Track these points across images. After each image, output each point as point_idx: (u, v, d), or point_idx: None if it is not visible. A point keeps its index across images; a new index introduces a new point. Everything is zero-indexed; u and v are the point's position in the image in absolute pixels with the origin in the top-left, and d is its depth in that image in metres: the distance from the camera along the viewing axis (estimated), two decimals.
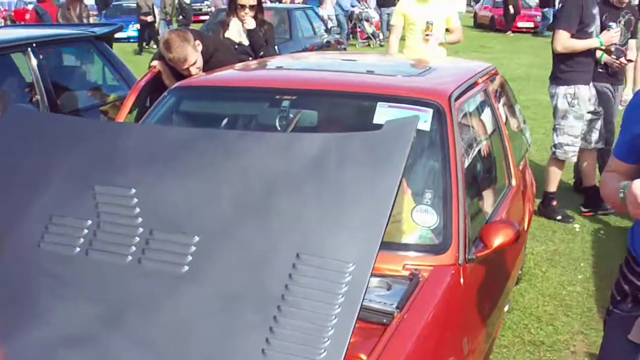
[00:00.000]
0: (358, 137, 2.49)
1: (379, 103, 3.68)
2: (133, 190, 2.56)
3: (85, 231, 2.57)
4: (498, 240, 3.34)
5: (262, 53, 6.29)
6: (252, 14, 6.36)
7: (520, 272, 5.53)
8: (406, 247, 3.30)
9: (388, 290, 2.97)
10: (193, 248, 2.43)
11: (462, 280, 3.23)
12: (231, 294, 2.33)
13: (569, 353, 4.81)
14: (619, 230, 6.91)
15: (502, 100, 4.98)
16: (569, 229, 7.05)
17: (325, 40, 16.01)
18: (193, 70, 5.11)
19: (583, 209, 7.35)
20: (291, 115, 3.84)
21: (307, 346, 2.21)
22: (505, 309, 4.45)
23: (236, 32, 6.40)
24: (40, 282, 2.55)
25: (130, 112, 5.00)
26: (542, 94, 10.44)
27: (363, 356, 2.57)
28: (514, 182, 4.54)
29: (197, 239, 2.44)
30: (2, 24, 28.89)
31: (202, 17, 29.02)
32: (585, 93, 6.73)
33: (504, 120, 4.71)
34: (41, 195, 2.68)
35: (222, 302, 2.33)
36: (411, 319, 2.83)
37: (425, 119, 3.53)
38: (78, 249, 2.55)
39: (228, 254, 2.40)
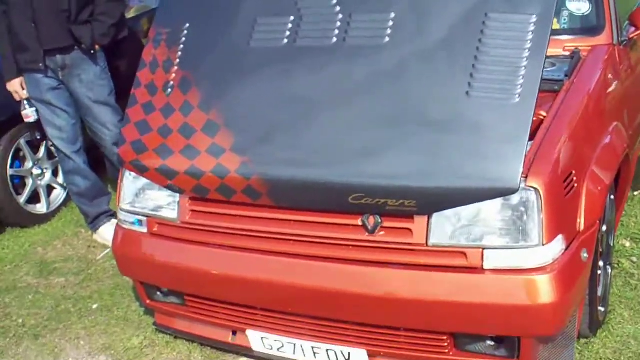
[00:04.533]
0: None
1: None
2: None
3: (290, 25, 2.94)
4: None
5: None
6: None
7: None
8: (564, 31, 3.55)
9: (553, 66, 3.25)
10: (390, 22, 2.76)
11: (617, 58, 3.48)
12: (430, 50, 2.67)
13: None
14: None
15: None
16: None
17: None
18: None
19: None
20: None
21: (504, 86, 2.54)
22: None
23: None
24: (252, 76, 2.95)
25: None
26: None
27: (543, 113, 2.88)
28: None
29: (392, 14, 2.78)
30: None
31: None
32: None
33: None
34: (243, 2, 3.08)
35: (424, 59, 2.67)
36: (579, 84, 3.11)
37: None
38: (286, 41, 2.93)
39: (423, 21, 2.74)
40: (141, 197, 3.13)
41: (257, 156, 2.76)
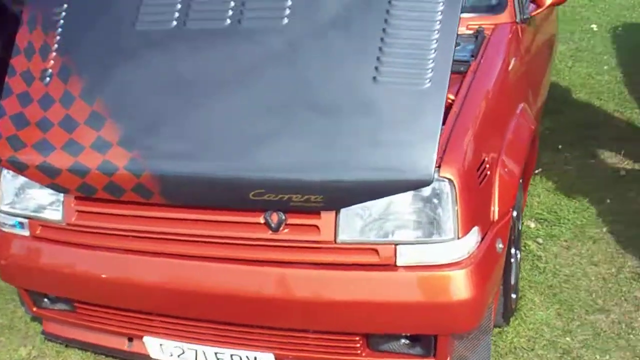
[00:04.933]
0: None
1: None
2: None
3: (179, 6, 2.69)
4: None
5: None
6: None
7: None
8: (466, 9, 3.42)
9: (458, 45, 3.12)
10: (289, 2, 2.56)
11: (521, 36, 3.39)
12: (333, 33, 2.48)
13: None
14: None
15: None
16: (586, 29, 7.17)
17: None
18: None
19: None
20: None
21: (414, 70, 2.38)
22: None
23: None
24: (138, 61, 2.69)
25: None
26: None
27: (451, 96, 2.75)
28: None
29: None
30: None
31: None
32: None
33: None
34: None
35: (326, 43, 2.48)
36: (486, 65, 3.00)
37: None
38: (175, 23, 2.68)
39: (323, 1, 2.55)
40: (21, 197, 2.84)
41: (146, 150, 2.52)
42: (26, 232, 2.84)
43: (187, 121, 2.52)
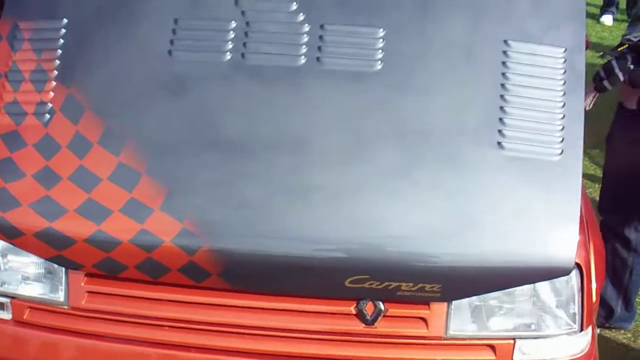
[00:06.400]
0: None
1: None
2: None
3: (232, 34, 2.14)
4: None
5: None
6: None
7: None
8: None
9: None
10: (381, 42, 2.10)
11: None
12: (442, 76, 2.07)
13: None
14: None
15: None
16: None
17: None
18: None
19: None
20: None
21: (543, 137, 2.03)
22: None
23: None
24: (182, 101, 2.12)
25: None
26: None
27: None
28: None
29: (382, 31, 2.12)
30: None
31: None
32: None
33: None
34: None
35: (436, 93, 2.07)
36: None
37: None
38: (229, 55, 2.13)
39: (425, 43, 2.11)
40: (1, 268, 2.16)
41: (205, 220, 1.96)
42: (6, 315, 2.16)
43: (259, 184, 1.99)
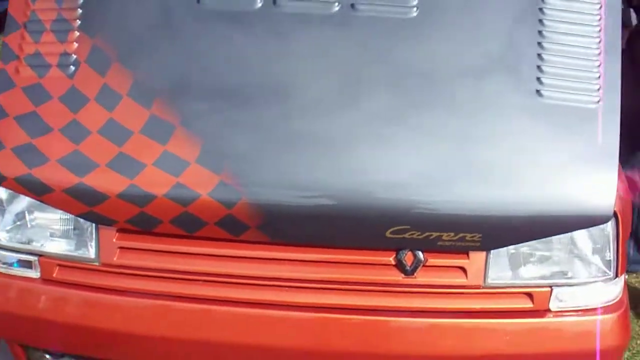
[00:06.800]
0: None
1: None
2: None
3: None
4: None
5: None
6: None
7: None
8: None
9: None
10: None
11: None
12: (479, 29, 2.05)
13: None
14: None
15: None
16: None
17: None
18: None
19: None
20: None
21: (581, 84, 2.01)
22: None
23: None
24: (215, 51, 2.06)
25: None
26: None
27: None
28: None
29: None
30: None
31: None
32: None
33: None
34: None
35: (474, 41, 2.04)
36: None
37: None
38: (260, 3, 2.07)
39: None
40: (25, 226, 2.10)
41: (243, 172, 1.92)
42: (34, 274, 2.11)
43: (298, 134, 1.95)
